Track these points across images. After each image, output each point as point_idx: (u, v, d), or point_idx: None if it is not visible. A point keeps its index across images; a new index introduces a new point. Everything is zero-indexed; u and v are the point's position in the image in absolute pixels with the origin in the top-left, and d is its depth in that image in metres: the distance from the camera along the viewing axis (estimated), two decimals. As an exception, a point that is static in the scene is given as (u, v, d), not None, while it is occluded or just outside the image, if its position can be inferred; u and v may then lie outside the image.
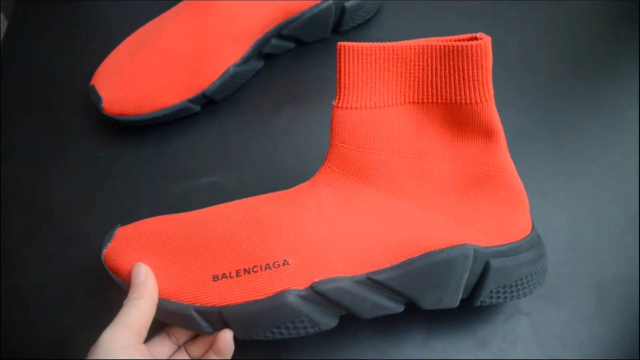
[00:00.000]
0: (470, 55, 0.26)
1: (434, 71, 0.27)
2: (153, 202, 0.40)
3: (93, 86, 0.41)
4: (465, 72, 0.26)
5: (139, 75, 0.40)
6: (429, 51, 0.27)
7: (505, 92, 0.40)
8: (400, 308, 0.30)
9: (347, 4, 0.45)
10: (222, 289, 0.29)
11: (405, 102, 0.28)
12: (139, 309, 0.28)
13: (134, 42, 0.43)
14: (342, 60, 0.27)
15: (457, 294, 0.30)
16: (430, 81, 0.27)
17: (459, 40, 0.27)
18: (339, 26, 0.47)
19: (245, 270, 0.29)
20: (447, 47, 0.26)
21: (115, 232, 0.32)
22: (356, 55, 0.27)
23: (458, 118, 0.28)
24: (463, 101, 0.27)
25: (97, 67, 0.43)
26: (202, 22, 0.41)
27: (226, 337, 0.29)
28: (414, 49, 0.27)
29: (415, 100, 0.28)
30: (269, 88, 0.45)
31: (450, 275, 0.29)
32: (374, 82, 0.28)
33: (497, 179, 0.29)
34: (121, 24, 0.49)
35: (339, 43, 0.27)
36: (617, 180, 0.39)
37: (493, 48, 0.27)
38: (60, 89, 0.47)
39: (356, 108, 0.28)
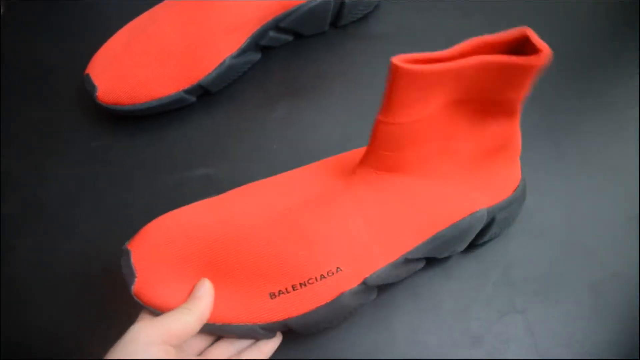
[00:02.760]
0: (530, 69, 0.24)
1: (485, 80, 0.25)
2: (147, 193, 0.40)
3: (88, 75, 0.41)
4: (516, 79, 0.25)
5: (135, 65, 0.40)
6: (490, 66, 0.24)
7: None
8: (422, 264, 0.33)
9: (347, -2, 0.45)
10: (282, 305, 0.29)
11: (447, 105, 0.27)
12: (182, 320, 0.27)
13: (129, 32, 0.42)
14: (396, 82, 0.25)
15: (467, 243, 0.34)
16: (476, 87, 0.26)
17: (509, 40, 0.24)
18: (337, 20, 0.46)
19: (301, 284, 0.29)
20: (511, 63, 0.24)
21: (132, 260, 0.29)
22: (413, 79, 0.24)
23: (491, 107, 0.27)
24: (502, 98, 0.27)
25: (91, 58, 0.42)
26: (198, 12, 0.40)
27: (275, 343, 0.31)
28: (476, 66, 0.24)
29: (457, 100, 0.27)
30: (265, 81, 0.45)
31: (468, 236, 0.33)
32: (425, 98, 0.25)
33: (508, 145, 0.31)
34: (117, 14, 0.49)
35: (394, 62, 0.24)
36: (616, 179, 0.39)
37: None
38: (54, 80, 0.46)
39: (402, 123, 0.27)
